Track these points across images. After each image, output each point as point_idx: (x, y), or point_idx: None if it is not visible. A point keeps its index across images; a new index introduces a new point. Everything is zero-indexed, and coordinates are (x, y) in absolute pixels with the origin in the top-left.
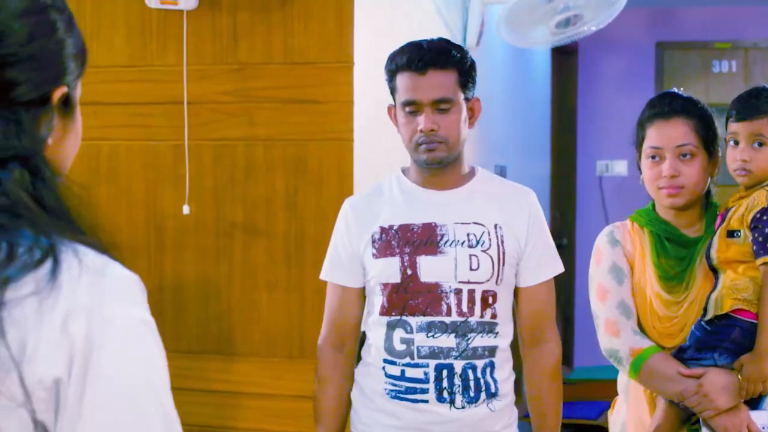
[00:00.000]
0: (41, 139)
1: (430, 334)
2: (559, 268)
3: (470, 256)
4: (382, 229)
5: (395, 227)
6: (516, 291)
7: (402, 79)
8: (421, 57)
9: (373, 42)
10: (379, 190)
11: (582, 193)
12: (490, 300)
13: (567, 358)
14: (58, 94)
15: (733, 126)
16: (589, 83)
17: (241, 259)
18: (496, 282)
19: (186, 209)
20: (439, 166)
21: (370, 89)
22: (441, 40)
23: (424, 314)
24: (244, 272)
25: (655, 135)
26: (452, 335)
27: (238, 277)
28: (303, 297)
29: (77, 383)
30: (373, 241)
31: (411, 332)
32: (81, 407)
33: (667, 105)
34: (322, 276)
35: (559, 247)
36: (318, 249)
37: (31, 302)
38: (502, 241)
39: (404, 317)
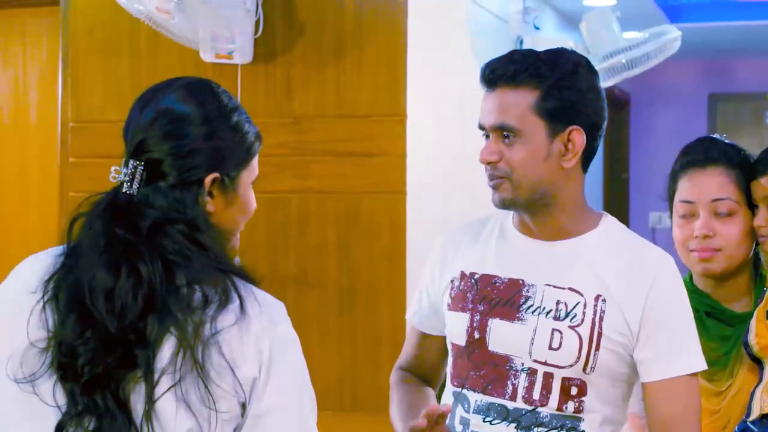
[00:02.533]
0: (199, 207)
1: (487, 419)
2: (695, 364)
3: (553, 330)
4: (463, 275)
5: (477, 276)
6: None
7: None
8: (494, 68)
9: (425, 95)
10: (482, 227)
11: None
12: (574, 391)
13: None
14: (208, 179)
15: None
16: (641, 134)
17: (294, 311)
18: (584, 369)
19: (237, 261)
20: (509, 209)
21: (423, 142)
22: (549, 51)
23: (484, 392)
24: (296, 323)
25: (687, 187)
26: (512, 425)
27: None
28: (355, 348)
29: (265, 377)
30: (452, 288)
31: (468, 411)
32: (265, 391)
33: (702, 152)
34: (407, 315)
35: None
36: (370, 300)
37: (235, 329)
38: (601, 318)
39: (464, 391)
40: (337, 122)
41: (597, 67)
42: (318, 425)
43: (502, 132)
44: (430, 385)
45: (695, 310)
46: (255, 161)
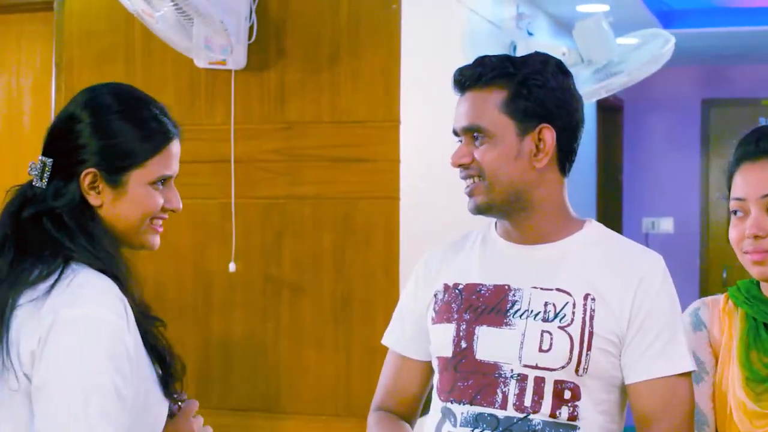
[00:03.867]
0: (71, 198)
1: (475, 431)
2: (681, 365)
3: (542, 332)
4: (446, 288)
5: (461, 286)
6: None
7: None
8: (463, 73)
9: (420, 101)
10: (464, 241)
11: None
12: (567, 395)
13: None
14: (83, 175)
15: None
16: (634, 140)
17: (288, 317)
18: (577, 371)
19: (232, 267)
20: (486, 214)
21: (417, 148)
22: (521, 55)
23: (471, 402)
24: (291, 330)
25: (738, 182)
26: None
27: (285, 335)
28: (350, 355)
29: (40, 352)
30: (435, 302)
31: (455, 425)
32: (40, 365)
33: (754, 143)
34: (383, 339)
35: None
36: (365, 307)
37: (31, 305)
38: (592, 318)
39: (450, 405)
40: (331, 128)
41: (593, 87)
42: (314, 430)
43: (472, 134)
44: (409, 420)
45: (752, 320)
46: (166, 160)
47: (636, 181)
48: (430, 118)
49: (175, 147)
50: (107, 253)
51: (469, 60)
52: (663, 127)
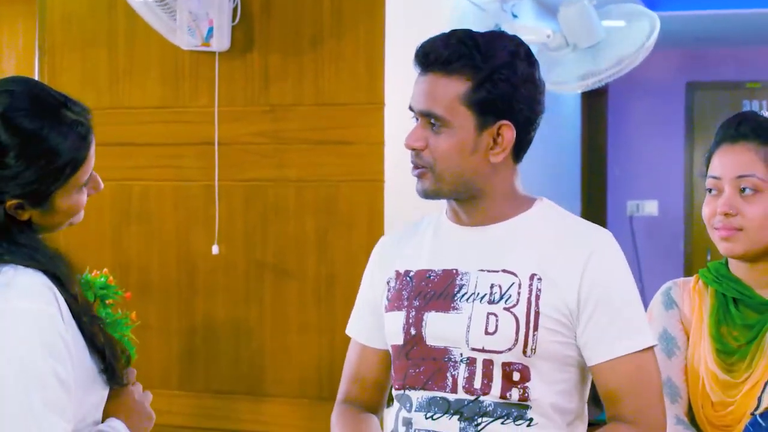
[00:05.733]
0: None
1: (429, 415)
2: (641, 341)
3: (488, 314)
4: (398, 275)
5: (411, 273)
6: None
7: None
8: (427, 52)
9: (403, 83)
10: (417, 226)
11: (613, 234)
12: (516, 377)
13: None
14: (8, 206)
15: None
16: (619, 124)
17: (272, 300)
18: (524, 352)
19: (215, 249)
20: (433, 199)
21: (401, 130)
22: (488, 35)
23: (424, 388)
24: (275, 313)
25: (717, 163)
26: (455, 417)
27: (268, 318)
28: (333, 338)
29: None
30: (388, 290)
31: (410, 411)
32: None
33: (734, 127)
34: (347, 329)
35: None
36: (348, 290)
37: None
38: (537, 297)
39: (406, 391)
40: (314, 110)
41: (581, 73)
42: (296, 413)
43: (429, 119)
44: (375, 411)
45: (722, 297)
46: (88, 165)
47: (620, 164)
48: None
49: (93, 146)
50: (44, 255)
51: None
52: (647, 110)
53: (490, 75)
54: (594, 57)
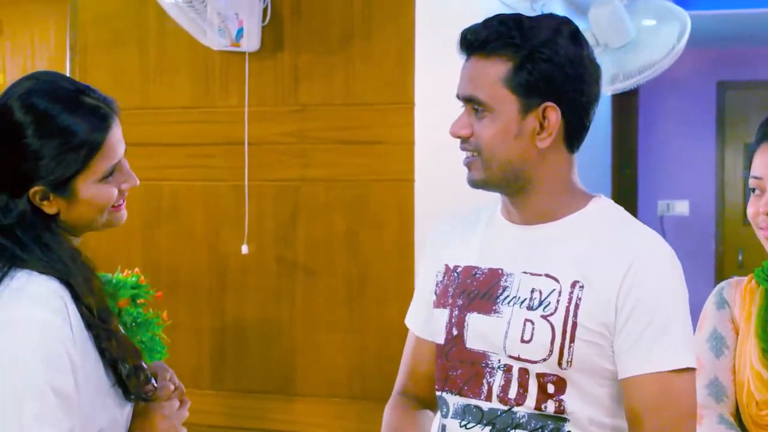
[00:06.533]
0: (21, 213)
1: (463, 423)
2: (674, 360)
3: (525, 321)
4: (447, 269)
5: (459, 269)
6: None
7: None
8: (467, 36)
9: (434, 82)
10: (472, 216)
11: None
12: (551, 389)
13: None
14: (31, 193)
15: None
16: (649, 123)
17: (302, 299)
18: (560, 364)
19: (245, 249)
20: (483, 189)
21: (430, 130)
22: (533, 17)
23: (460, 393)
24: (305, 312)
25: (758, 162)
26: (487, 428)
27: (299, 317)
28: (364, 337)
29: None
30: (437, 284)
31: (446, 416)
32: None
33: None
34: (406, 318)
35: None
36: (378, 289)
37: None
38: (577, 306)
39: (444, 394)
40: (344, 110)
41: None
42: (326, 412)
43: (473, 105)
44: (430, 405)
45: None
46: (109, 151)
47: (651, 163)
48: (444, 100)
49: (116, 133)
50: (63, 264)
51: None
52: (678, 109)
53: (531, 54)
54: (624, 58)
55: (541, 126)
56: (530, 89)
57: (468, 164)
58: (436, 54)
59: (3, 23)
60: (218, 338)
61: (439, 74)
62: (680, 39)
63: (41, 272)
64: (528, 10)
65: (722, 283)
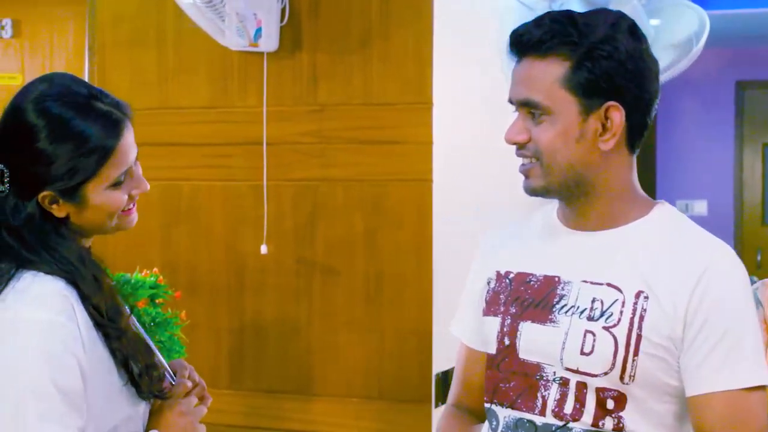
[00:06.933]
0: (30, 215)
1: None
2: (746, 378)
3: (585, 332)
4: (498, 276)
5: (512, 275)
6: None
7: None
8: (520, 36)
9: (452, 82)
10: (525, 222)
11: None
12: (611, 404)
13: None
14: (41, 197)
15: None
16: (668, 123)
17: (320, 299)
18: (622, 378)
19: (264, 249)
20: (542, 197)
21: (449, 130)
22: (586, 12)
23: (512, 406)
24: (323, 312)
25: None
26: None
27: (317, 318)
28: (382, 338)
29: None
30: (487, 291)
31: (496, 429)
32: None
33: None
34: (452, 327)
35: None
36: (397, 290)
37: None
38: (641, 318)
39: (493, 407)
40: (363, 110)
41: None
42: (344, 413)
43: (529, 109)
44: (483, 418)
45: None
46: (121, 157)
47: (669, 163)
48: (462, 100)
49: (127, 139)
50: (69, 264)
51: (501, 42)
52: (696, 109)
53: (589, 52)
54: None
55: (604, 127)
56: (591, 89)
57: (525, 171)
58: (454, 54)
59: (22, 24)
60: (237, 338)
61: (457, 74)
62: (699, 39)
63: (47, 273)
64: (546, 9)
65: (756, 284)
